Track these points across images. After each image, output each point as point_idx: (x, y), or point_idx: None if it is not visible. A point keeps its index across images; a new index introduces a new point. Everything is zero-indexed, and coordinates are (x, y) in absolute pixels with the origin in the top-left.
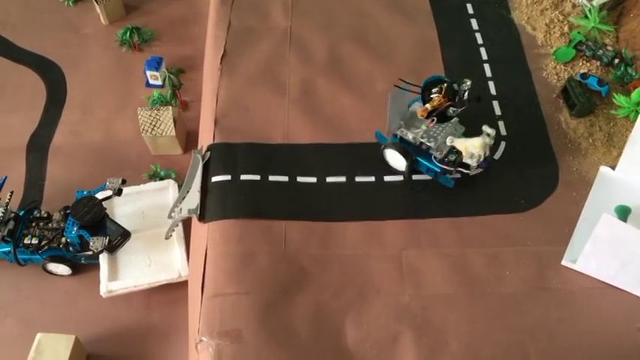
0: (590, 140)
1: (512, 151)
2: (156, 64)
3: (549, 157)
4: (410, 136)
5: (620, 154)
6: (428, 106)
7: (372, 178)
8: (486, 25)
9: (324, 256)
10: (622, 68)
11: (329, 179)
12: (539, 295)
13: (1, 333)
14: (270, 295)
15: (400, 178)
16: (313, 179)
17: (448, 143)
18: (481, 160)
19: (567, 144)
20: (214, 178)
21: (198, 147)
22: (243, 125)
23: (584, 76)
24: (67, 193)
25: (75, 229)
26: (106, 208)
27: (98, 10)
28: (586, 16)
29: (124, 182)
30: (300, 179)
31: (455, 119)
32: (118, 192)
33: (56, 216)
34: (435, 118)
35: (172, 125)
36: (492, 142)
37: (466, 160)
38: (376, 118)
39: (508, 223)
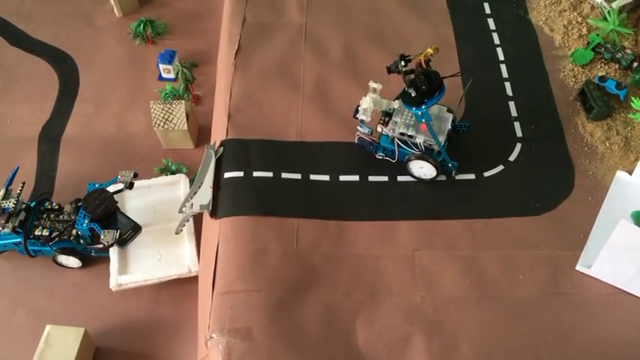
0: (607, 144)
1: (527, 153)
2: (169, 58)
3: (565, 161)
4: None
5: (637, 159)
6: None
7: (386, 178)
8: (503, 25)
9: (336, 255)
10: None
11: (342, 178)
12: (552, 300)
13: (11, 324)
14: (281, 293)
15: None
16: (326, 177)
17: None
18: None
19: (584, 147)
20: (227, 174)
21: (211, 142)
22: (256, 121)
23: (602, 79)
24: (78, 185)
25: (86, 221)
26: (117, 202)
27: (112, 2)
28: (605, 18)
29: (136, 176)
30: (313, 177)
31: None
32: (130, 185)
33: (67, 208)
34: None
35: (185, 119)
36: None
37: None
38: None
39: (522, 227)
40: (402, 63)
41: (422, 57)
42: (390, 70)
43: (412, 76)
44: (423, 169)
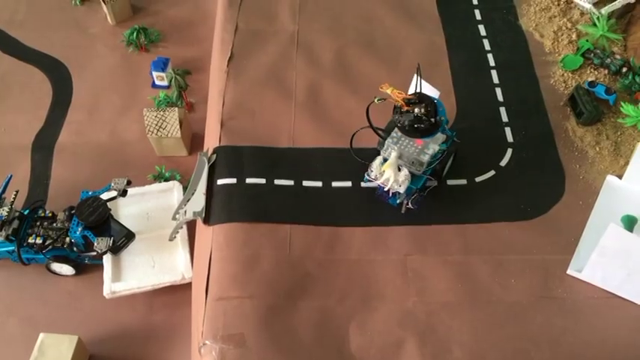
0: (597, 149)
1: (518, 158)
2: (162, 65)
3: (556, 165)
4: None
5: (627, 164)
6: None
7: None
8: (494, 31)
9: (328, 260)
10: (630, 77)
11: (335, 184)
12: (544, 304)
13: (4, 332)
14: (274, 299)
15: None
16: (319, 183)
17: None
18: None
19: (574, 152)
20: (220, 181)
21: (204, 149)
22: (249, 128)
23: (591, 84)
24: (71, 192)
25: (79, 229)
26: (110, 209)
27: (105, 10)
28: (594, 24)
29: (129, 183)
30: (305, 183)
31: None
32: (123, 193)
33: (61, 216)
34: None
35: (178, 126)
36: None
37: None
38: (383, 123)
39: (514, 231)
40: (417, 110)
41: (399, 98)
42: (405, 126)
43: (420, 111)
44: (449, 161)
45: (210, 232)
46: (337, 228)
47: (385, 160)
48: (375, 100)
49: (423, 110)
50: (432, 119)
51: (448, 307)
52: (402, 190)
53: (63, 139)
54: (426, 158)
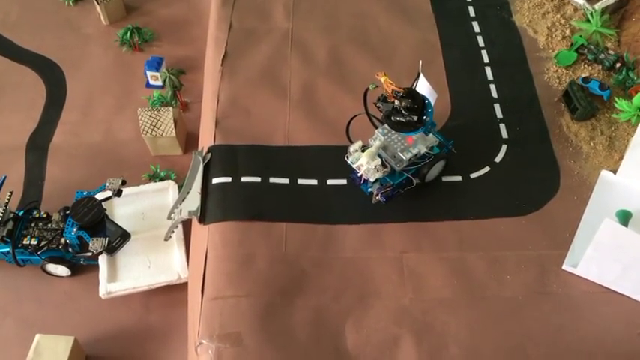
0: (592, 144)
1: (513, 154)
2: (156, 65)
3: (550, 161)
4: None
5: (621, 159)
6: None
7: None
8: (488, 28)
9: (324, 258)
10: (624, 72)
11: (330, 182)
12: (539, 300)
13: (0, 333)
14: (270, 297)
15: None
16: (314, 182)
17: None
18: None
19: (568, 148)
20: (215, 180)
21: (199, 148)
22: (243, 127)
23: (585, 79)
24: (66, 193)
25: (74, 229)
26: (105, 209)
27: (99, 10)
28: (588, 20)
29: (124, 183)
30: (300, 182)
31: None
32: (118, 193)
33: (55, 216)
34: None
35: (172, 126)
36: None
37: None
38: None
39: (509, 227)
40: (397, 102)
41: (388, 89)
42: (388, 115)
43: (400, 104)
44: (437, 166)
45: (206, 232)
46: (333, 226)
47: (365, 146)
48: (370, 87)
49: (404, 104)
50: (415, 116)
51: (444, 303)
52: (371, 179)
53: (57, 139)
54: (407, 156)
